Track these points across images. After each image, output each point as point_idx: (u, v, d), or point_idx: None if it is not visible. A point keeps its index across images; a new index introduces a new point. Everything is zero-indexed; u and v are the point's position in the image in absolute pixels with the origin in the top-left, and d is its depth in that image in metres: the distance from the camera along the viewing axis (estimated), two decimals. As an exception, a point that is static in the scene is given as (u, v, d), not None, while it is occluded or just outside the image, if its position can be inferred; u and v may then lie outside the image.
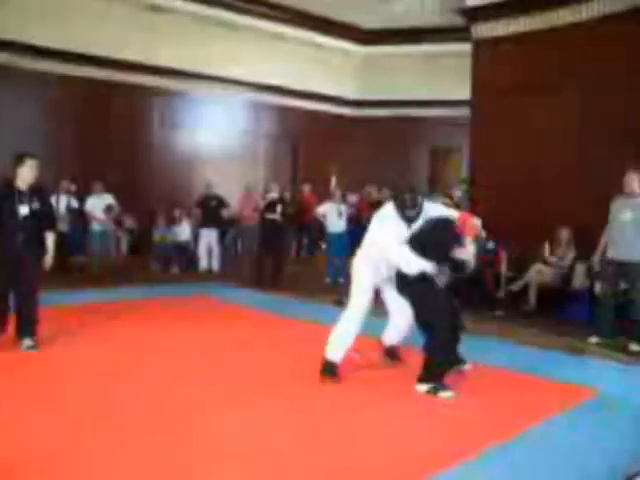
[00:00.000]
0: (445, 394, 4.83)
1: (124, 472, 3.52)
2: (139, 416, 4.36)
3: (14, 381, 5.06)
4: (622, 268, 6.86)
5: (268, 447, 3.90)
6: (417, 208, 5.15)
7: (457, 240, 4.86)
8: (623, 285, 7.10)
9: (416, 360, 5.18)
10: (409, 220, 5.15)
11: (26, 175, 5.85)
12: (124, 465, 3.59)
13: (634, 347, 6.64)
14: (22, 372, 5.32)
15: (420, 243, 4.91)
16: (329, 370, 5.22)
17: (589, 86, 8.97)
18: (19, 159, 5.83)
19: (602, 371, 5.94)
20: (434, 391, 4.85)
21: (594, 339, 6.93)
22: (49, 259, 6.03)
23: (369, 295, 5.30)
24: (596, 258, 7.32)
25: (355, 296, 5.31)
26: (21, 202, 5.82)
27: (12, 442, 3.87)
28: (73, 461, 3.63)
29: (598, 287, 7.62)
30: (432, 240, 4.95)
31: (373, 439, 4.10)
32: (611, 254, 6.96)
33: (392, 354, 5.77)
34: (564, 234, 8.73)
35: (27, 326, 5.88)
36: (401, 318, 5.50)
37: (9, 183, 5.84)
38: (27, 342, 5.86)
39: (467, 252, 4.89)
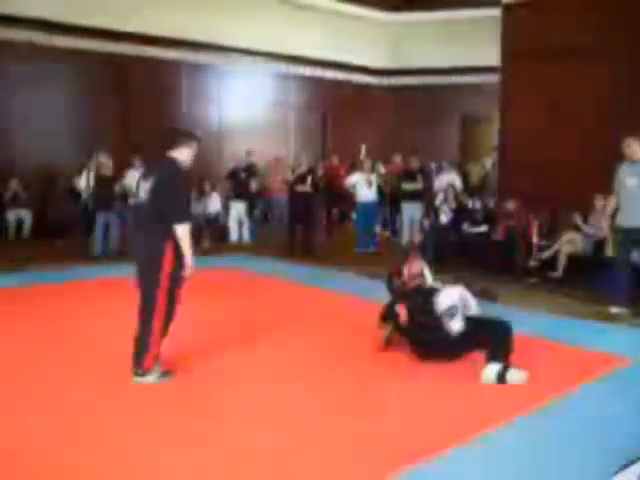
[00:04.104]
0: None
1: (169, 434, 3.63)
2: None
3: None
4: (632, 235, 6.78)
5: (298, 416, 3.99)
6: None
7: None
8: (636, 253, 7.02)
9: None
10: None
11: (188, 160, 4.68)
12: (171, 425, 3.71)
13: None
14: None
15: None
16: None
17: (622, 54, 8.77)
18: (191, 137, 4.73)
19: (635, 340, 5.90)
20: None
21: (614, 309, 6.83)
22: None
23: None
24: (604, 225, 7.33)
25: None
26: None
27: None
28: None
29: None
30: None
31: (411, 405, 4.18)
32: (620, 221, 6.89)
33: None
34: (599, 202, 8.60)
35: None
36: None
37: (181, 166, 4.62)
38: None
39: None
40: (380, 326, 5.26)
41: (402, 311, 5.02)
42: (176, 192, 4.48)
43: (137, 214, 4.69)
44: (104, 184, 10.42)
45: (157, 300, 4.44)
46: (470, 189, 12.29)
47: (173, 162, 4.59)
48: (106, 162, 10.57)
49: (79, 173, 11.13)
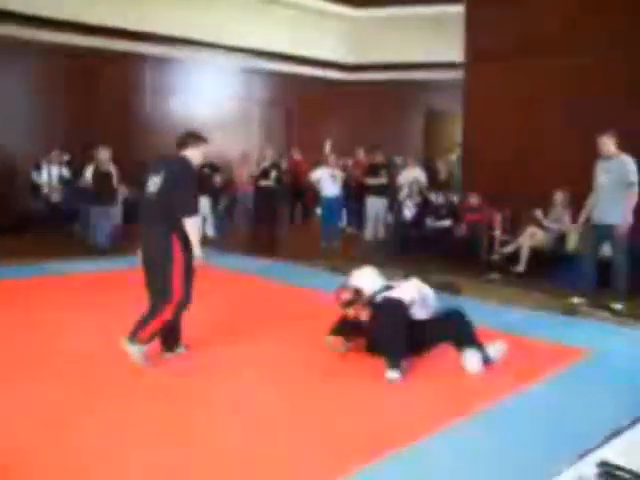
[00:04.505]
0: None
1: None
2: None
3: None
4: (601, 230, 6.92)
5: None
6: None
7: None
8: (607, 249, 7.16)
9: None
10: None
11: (197, 160, 4.92)
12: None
13: (617, 306, 6.69)
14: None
15: None
16: None
17: (588, 51, 8.87)
18: (199, 139, 4.93)
19: (594, 331, 5.98)
20: None
21: (575, 299, 6.95)
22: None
23: None
24: (580, 221, 7.41)
25: None
26: None
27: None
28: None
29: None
30: None
31: (373, 403, 4.18)
32: (593, 217, 7.04)
33: None
34: (559, 197, 8.72)
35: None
36: None
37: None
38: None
39: None
40: (334, 338, 5.04)
41: (362, 312, 4.91)
42: (186, 186, 4.66)
43: (143, 207, 4.81)
44: (103, 178, 10.22)
45: (172, 289, 4.63)
46: (437, 185, 12.35)
47: (184, 159, 4.78)
48: (104, 156, 10.33)
49: (37, 168, 10.93)
